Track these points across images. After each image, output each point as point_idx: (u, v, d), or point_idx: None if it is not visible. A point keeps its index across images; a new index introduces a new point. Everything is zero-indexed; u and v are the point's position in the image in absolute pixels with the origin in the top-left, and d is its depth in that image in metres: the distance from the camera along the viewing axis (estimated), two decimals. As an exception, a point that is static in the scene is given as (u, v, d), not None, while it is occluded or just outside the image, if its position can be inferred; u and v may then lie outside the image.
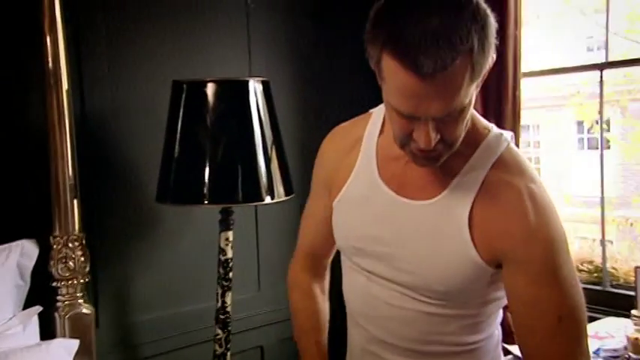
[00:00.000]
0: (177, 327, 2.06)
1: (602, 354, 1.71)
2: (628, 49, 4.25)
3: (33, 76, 1.78)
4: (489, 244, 0.94)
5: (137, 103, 2.03)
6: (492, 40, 0.87)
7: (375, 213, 1.04)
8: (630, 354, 1.70)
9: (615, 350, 1.72)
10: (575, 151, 7.66)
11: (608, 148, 6.06)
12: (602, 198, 2.28)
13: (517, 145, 2.21)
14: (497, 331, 1.12)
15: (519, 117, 2.17)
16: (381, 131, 1.08)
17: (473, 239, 0.94)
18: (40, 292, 1.77)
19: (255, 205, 2.25)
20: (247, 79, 1.86)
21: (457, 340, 1.03)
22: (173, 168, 1.81)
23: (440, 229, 0.97)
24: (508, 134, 1.03)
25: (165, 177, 1.83)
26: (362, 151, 1.08)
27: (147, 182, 1.98)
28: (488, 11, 0.88)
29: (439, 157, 0.91)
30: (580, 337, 0.96)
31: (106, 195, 1.97)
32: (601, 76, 2.18)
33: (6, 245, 1.71)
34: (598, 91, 2.25)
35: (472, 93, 0.88)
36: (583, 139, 7.53)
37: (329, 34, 2.49)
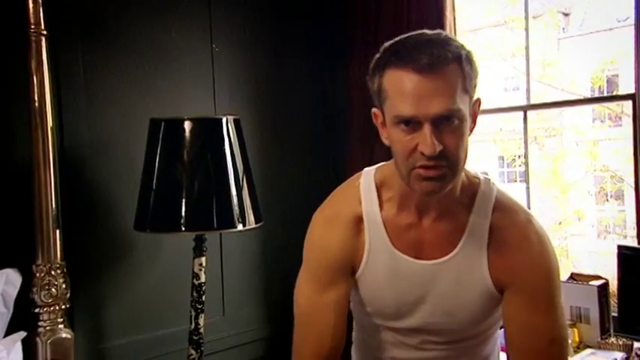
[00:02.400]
0: (152, 349, 2.15)
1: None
2: (543, 91, 4.76)
3: (18, 113, 1.89)
4: (501, 277, 1.06)
5: (113, 137, 2.16)
6: (476, 69, 0.99)
7: (402, 279, 1.09)
8: None
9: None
10: (498, 183, 8.24)
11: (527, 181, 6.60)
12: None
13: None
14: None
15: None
16: (381, 207, 1.11)
17: (492, 279, 1.06)
18: (21, 318, 1.84)
19: (220, 233, 2.40)
20: (221, 117, 2.03)
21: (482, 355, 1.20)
22: (151, 198, 1.94)
23: (463, 277, 1.06)
24: (488, 176, 1.15)
25: (143, 206, 1.96)
26: (368, 230, 1.10)
27: (124, 212, 2.10)
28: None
29: (443, 177, 0.97)
30: (566, 359, 1.09)
31: (84, 224, 2.07)
32: (525, 116, 2.52)
33: (-9, 274, 1.78)
34: (517, 128, 2.58)
35: (466, 108, 0.96)
36: (504, 172, 8.12)
37: (288, 74, 2.72)
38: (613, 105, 5.46)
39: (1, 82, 1.91)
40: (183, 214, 1.91)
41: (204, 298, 2.03)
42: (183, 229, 1.92)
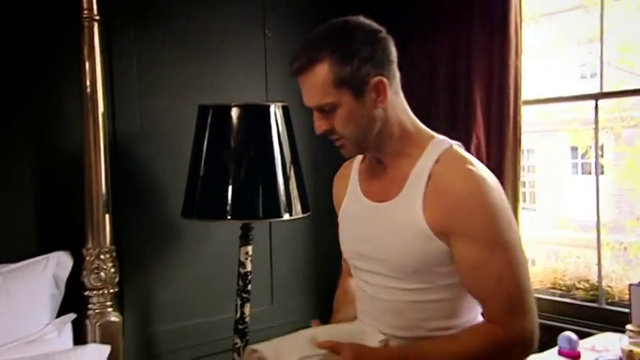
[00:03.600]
0: (198, 337, 2.17)
1: (599, 366, 1.82)
2: (620, 78, 4.43)
3: (70, 99, 1.92)
4: (438, 222, 1.13)
5: (163, 124, 2.17)
6: (355, 56, 1.12)
7: (361, 220, 1.26)
8: (625, 364, 1.82)
9: (611, 361, 1.83)
10: (569, 175, 7.82)
11: (602, 173, 6.21)
12: (598, 221, 2.40)
13: (516, 169, 2.35)
14: (479, 320, 1.24)
15: (520, 142, 2.32)
16: (363, 159, 1.33)
17: (426, 221, 1.13)
18: (72, 300, 1.89)
19: (270, 222, 2.37)
20: (269, 103, 1.99)
21: (440, 325, 1.19)
22: (198, 186, 1.94)
23: (401, 221, 1.17)
24: (455, 142, 1.22)
25: (190, 194, 1.95)
26: (351, 176, 1.33)
27: (172, 199, 2.10)
28: (359, 35, 1.14)
29: (344, 146, 1.20)
30: (518, 296, 1.11)
31: (133, 210, 2.10)
32: (596, 106, 2.33)
33: (44, 256, 1.83)
34: (592, 118, 2.39)
35: (341, 96, 1.13)
36: (577, 164, 7.69)
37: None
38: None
39: (54, 68, 1.95)
40: (229, 202, 1.89)
41: (249, 287, 2.01)
42: (229, 217, 1.90)
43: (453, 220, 1.11)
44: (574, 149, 7.43)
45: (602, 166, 6.32)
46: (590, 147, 3.18)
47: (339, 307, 1.41)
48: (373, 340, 1.21)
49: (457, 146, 1.22)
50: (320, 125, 1.17)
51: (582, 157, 7.28)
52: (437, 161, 1.16)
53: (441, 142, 1.21)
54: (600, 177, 2.53)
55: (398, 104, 1.20)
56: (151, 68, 2.15)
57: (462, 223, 1.11)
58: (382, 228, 1.20)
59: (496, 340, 1.12)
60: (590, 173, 6.74)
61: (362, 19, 1.18)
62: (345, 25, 1.16)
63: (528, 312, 1.12)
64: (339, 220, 1.35)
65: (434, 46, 2.53)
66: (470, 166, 1.15)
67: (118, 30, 2.06)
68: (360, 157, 1.33)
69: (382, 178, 1.23)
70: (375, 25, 1.18)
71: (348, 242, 1.31)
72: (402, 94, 1.23)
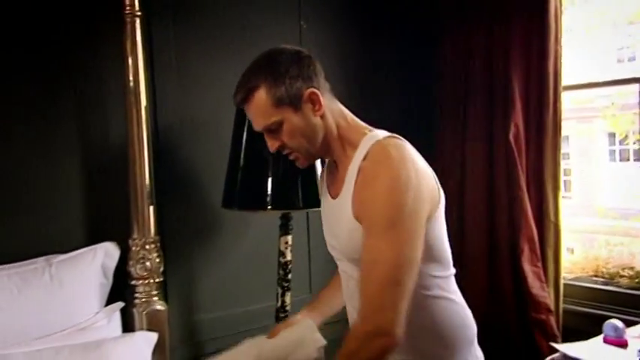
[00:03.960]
0: (239, 325, 2.20)
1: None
2: (662, 61, 4.30)
3: (113, 93, 1.97)
4: (357, 209, 1.25)
5: (202, 117, 2.20)
6: (286, 74, 1.25)
7: (327, 215, 1.42)
8: (671, 352, 1.79)
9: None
10: (606, 162, 7.63)
11: (645, 158, 6.04)
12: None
13: (556, 157, 2.32)
14: (455, 302, 1.33)
15: (560, 129, 2.29)
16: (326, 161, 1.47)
17: (353, 213, 1.25)
18: (119, 289, 1.94)
19: (307, 212, 2.40)
20: (307, 95, 2.00)
21: None
22: (239, 177, 1.96)
23: (342, 214, 1.29)
24: (383, 133, 1.30)
25: (231, 185, 1.99)
26: (323, 177, 1.48)
27: (212, 189, 2.14)
28: (284, 58, 1.28)
29: (297, 158, 1.33)
30: (384, 284, 1.15)
31: (175, 202, 2.14)
32: None
33: (92, 247, 1.89)
34: (631, 102, 2.34)
35: (283, 113, 1.25)
36: (615, 150, 7.50)
37: (375, 51, 2.65)
38: None
39: (97, 63, 1.99)
40: (269, 192, 1.91)
41: (290, 276, 2.04)
42: (269, 207, 1.93)
43: (361, 207, 1.24)
44: (611, 135, 7.25)
45: (644, 152, 6.14)
46: (633, 132, 3.10)
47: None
48: (312, 348, 1.37)
49: (388, 138, 1.28)
50: (272, 144, 1.30)
51: (620, 143, 7.10)
52: (365, 157, 1.26)
53: (370, 138, 1.29)
54: (641, 164, 2.48)
55: (335, 110, 1.32)
56: (190, 62, 2.18)
57: (363, 209, 1.23)
58: (334, 221, 1.35)
59: (357, 334, 1.18)
60: (629, 160, 6.57)
61: (283, 45, 1.33)
62: (271, 54, 1.30)
63: (389, 306, 1.14)
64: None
65: (470, 34, 2.51)
66: (386, 159, 1.22)
67: (158, 25, 2.09)
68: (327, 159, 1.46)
69: (336, 176, 1.36)
70: (297, 47, 1.34)
71: (325, 236, 1.44)
72: (336, 100, 1.34)
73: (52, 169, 1.91)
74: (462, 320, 1.34)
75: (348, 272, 1.36)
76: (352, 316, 1.40)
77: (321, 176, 1.54)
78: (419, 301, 1.24)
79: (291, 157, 1.33)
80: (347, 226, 1.27)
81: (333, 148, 1.33)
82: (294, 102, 1.26)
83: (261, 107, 1.26)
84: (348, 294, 1.40)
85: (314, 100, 1.27)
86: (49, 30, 1.91)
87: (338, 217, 1.31)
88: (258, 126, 1.30)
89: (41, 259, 1.80)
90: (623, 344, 1.87)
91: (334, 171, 1.38)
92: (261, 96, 1.25)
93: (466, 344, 1.35)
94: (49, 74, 1.92)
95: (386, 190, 1.19)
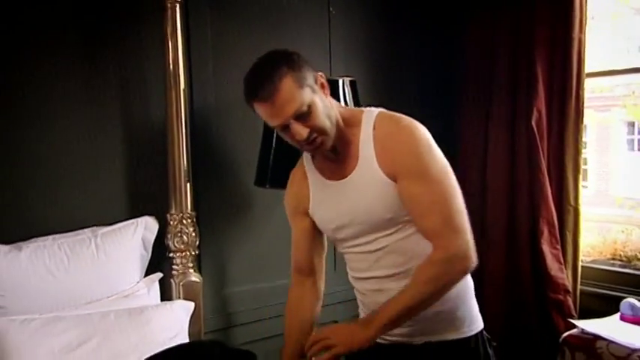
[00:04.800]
0: (269, 298, 2.31)
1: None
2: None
3: (154, 76, 2.07)
4: (388, 169, 1.36)
5: (236, 99, 2.26)
6: (302, 63, 1.34)
7: (333, 200, 1.46)
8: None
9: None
10: (624, 152, 7.58)
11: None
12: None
13: (577, 144, 2.38)
14: None
15: (582, 116, 2.34)
16: (313, 157, 1.53)
17: (383, 172, 1.36)
18: (157, 261, 2.06)
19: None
20: (337, 78, 2.08)
21: (422, 252, 1.35)
22: (271, 157, 2.06)
23: (366, 182, 1.39)
24: (380, 108, 1.44)
25: (263, 164, 2.08)
26: (309, 175, 1.53)
27: (245, 169, 2.25)
28: (295, 56, 1.36)
29: (322, 143, 1.36)
30: (450, 215, 1.32)
31: (210, 179, 2.25)
32: (661, 77, 2.32)
33: (133, 220, 2.00)
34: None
35: (309, 95, 1.31)
36: (633, 140, 7.45)
37: (400, 38, 2.72)
38: None
39: (139, 47, 2.09)
40: (300, 171, 2.00)
41: (318, 252, 2.13)
42: (300, 185, 2.01)
43: (395, 164, 1.35)
44: (630, 124, 7.21)
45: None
46: (652, 121, 3.13)
47: (291, 338, 1.55)
48: None
49: (383, 110, 1.43)
50: (302, 132, 1.32)
51: (639, 132, 7.06)
52: (374, 127, 1.38)
53: (370, 112, 1.43)
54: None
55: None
56: (225, 47, 2.26)
57: (399, 164, 1.34)
58: (352, 197, 1.41)
59: (436, 260, 1.31)
60: (648, 149, 6.53)
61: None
62: (273, 52, 1.37)
63: (461, 230, 1.32)
64: (311, 212, 1.53)
65: (495, 21, 2.56)
66: (399, 121, 1.39)
67: (195, 12, 2.18)
68: (305, 162, 1.55)
69: (338, 162, 1.44)
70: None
71: (327, 222, 1.49)
72: None
73: (96, 147, 2.02)
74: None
75: (368, 241, 1.42)
76: (368, 288, 1.50)
77: (291, 183, 1.59)
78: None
79: (318, 142, 1.35)
80: (379, 190, 1.35)
81: (340, 129, 1.39)
82: (312, 85, 1.33)
83: (291, 94, 1.29)
84: (362, 264, 1.47)
85: (322, 83, 1.38)
86: (96, 15, 2.01)
87: (359, 189, 1.38)
88: (288, 113, 1.30)
89: (87, 230, 1.91)
90: (638, 322, 1.95)
91: (331, 159, 1.44)
92: (289, 82, 1.29)
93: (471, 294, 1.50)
94: (95, 57, 2.01)
95: (415, 141, 1.34)
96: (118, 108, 2.06)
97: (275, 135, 2.05)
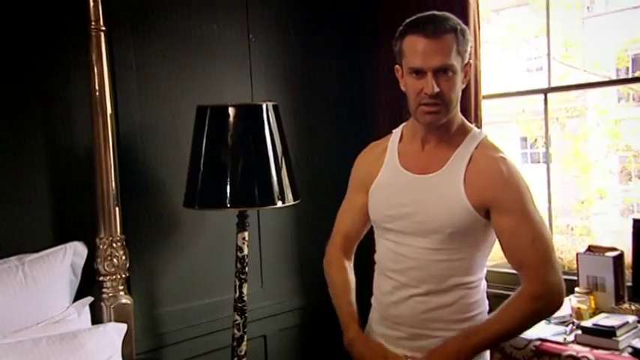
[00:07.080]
0: (200, 316, 2.37)
1: (553, 320, 2.12)
2: (565, 72, 4.83)
3: (79, 102, 2.10)
4: (477, 196, 1.41)
5: (161, 123, 2.35)
6: (468, 38, 1.42)
7: (398, 188, 1.50)
8: (574, 320, 2.14)
9: (563, 317, 2.15)
10: (519, 164, 8.24)
11: (550, 161, 6.62)
12: (550, 207, 2.71)
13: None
14: (484, 282, 1.55)
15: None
16: (400, 139, 1.58)
17: (466, 194, 1.41)
18: (87, 285, 2.06)
19: (258, 211, 2.59)
20: (261, 103, 2.20)
21: (454, 282, 1.45)
22: (199, 178, 2.13)
23: (444, 190, 1.43)
24: (484, 132, 1.53)
25: (192, 185, 2.15)
26: (388, 153, 1.57)
27: (173, 191, 2.31)
28: (465, 30, 1.43)
29: (439, 112, 1.40)
30: (548, 252, 1.39)
31: (139, 202, 2.28)
32: (545, 99, 2.64)
33: (61, 246, 2.00)
34: (539, 109, 2.69)
35: (459, 64, 1.39)
36: (527, 153, 8.13)
37: (319, 61, 2.88)
38: (637, 85, 5.49)
39: (64, 74, 2.10)
40: (228, 192, 2.08)
41: (247, 269, 2.22)
42: (228, 205, 2.10)
43: (492, 196, 1.39)
44: (523, 139, 7.86)
45: (550, 155, 6.73)
46: (540, 137, 3.50)
47: (344, 298, 1.60)
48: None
49: (488, 136, 1.51)
50: (433, 86, 1.36)
51: (531, 146, 7.72)
52: (476, 147, 1.44)
53: (479, 133, 1.50)
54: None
55: None
56: (148, 72, 2.32)
57: (500, 198, 1.39)
58: (424, 195, 1.45)
59: (538, 296, 1.36)
60: (539, 162, 7.17)
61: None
62: (451, 16, 1.42)
63: (558, 267, 1.40)
64: (370, 190, 1.57)
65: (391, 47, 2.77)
66: (502, 154, 1.45)
67: (120, 39, 2.22)
68: (392, 138, 1.58)
69: (423, 156, 1.49)
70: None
71: (383, 207, 1.53)
72: None
73: (22, 173, 2.01)
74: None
75: (410, 244, 1.46)
76: (392, 283, 1.51)
77: (366, 154, 1.64)
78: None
79: (434, 109, 1.39)
80: (454, 206, 1.39)
81: (448, 123, 1.44)
82: (463, 63, 1.40)
83: (448, 47, 1.36)
84: (393, 264, 1.50)
85: (467, 73, 1.44)
86: (20, 43, 2.01)
87: (434, 192, 1.42)
88: (436, 62, 1.36)
89: (14, 259, 1.88)
90: None
91: (417, 150, 1.49)
92: (451, 39, 1.37)
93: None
94: (18, 84, 2.01)
95: (516, 181, 1.40)
96: (43, 133, 2.06)
97: (203, 157, 2.13)
